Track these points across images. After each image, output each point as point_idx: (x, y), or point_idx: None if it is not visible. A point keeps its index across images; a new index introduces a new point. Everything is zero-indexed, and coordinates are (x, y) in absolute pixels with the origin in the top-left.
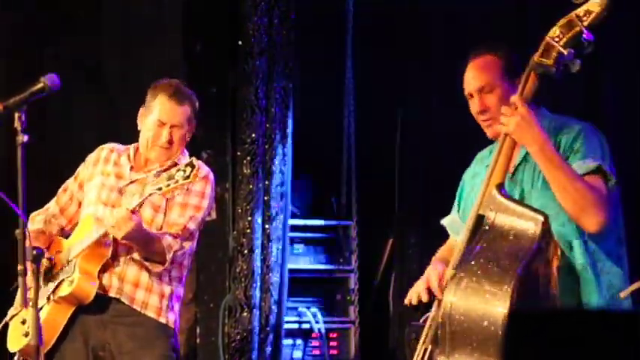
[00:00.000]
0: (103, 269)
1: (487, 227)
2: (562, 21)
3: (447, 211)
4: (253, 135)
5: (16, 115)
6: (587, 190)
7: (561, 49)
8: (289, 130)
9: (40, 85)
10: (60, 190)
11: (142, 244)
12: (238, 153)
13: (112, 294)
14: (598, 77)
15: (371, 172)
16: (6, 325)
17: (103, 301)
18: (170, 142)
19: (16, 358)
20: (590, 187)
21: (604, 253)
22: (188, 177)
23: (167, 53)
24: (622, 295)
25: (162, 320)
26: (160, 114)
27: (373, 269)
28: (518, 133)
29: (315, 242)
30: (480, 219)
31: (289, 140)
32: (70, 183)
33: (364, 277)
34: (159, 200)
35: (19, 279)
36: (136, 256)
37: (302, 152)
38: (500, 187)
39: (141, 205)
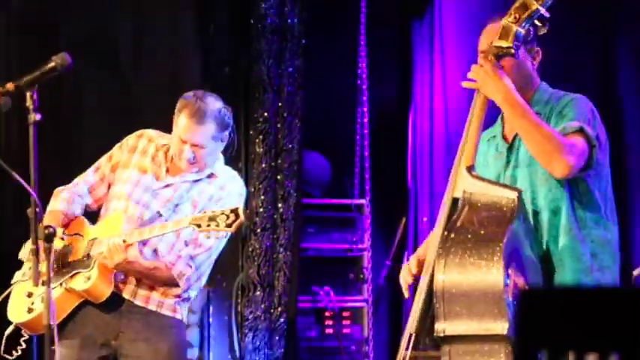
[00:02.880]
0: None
1: (463, 208)
2: (517, 3)
3: None
4: (266, 114)
5: (28, 94)
6: (553, 135)
7: (519, 29)
8: (302, 109)
9: (51, 65)
10: (91, 168)
11: (138, 274)
12: (251, 132)
13: (126, 295)
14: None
15: (384, 151)
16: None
17: (117, 298)
18: (192, 159)
19: (11, 327)
20: (557, 134)
21: (592, 221)
22: (230, 225)
23: (180, 33)
24: (635, 272)
25: (178, 316)
26: (181, 132)
27: (386, 248)
28: (483, 85)
29: (328, 221)
30: (455, 202)
31: (302, 119)
32: (103, 164)
33: (377, 256)
34: (190, 211)
35: (32, 258)
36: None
37: (315, 131)
38: (471, 168)
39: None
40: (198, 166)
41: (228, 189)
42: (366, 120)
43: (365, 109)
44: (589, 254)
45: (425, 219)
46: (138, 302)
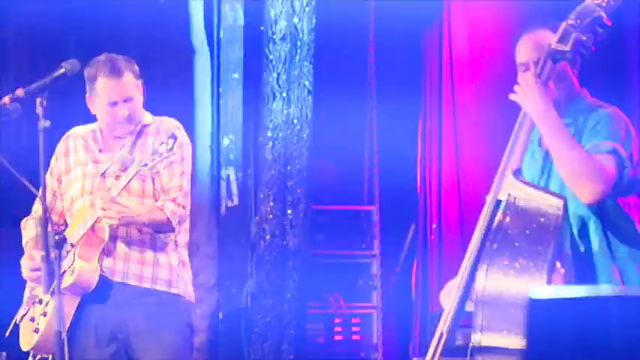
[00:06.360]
0: (107, 253)
1: (507, 212)
2: (580, 7)
3: (468, 196)
4: (275, 120)
5: (38, 100)
6: (583, 160)
7: (580, 34)
8: (311, 115)
9: (61, 71)
10: (40, 190)
11: (141, 222)
12: (260, 138)
13: (117, 279)
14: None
15: (393, 158)
16: (16, 326)
17: (112, 286)
18: (128, 116)
19: (30, 357)
20: (588, 157)
21: (621, 236)
22: (171, 149)
23: (188, 39)
24: None
25: (174, 291)
26: (107, 96)
27: (395, 254)
28: (522, 100)
29: (337, 227)
30: (497, 204)
31: (311, 125)
32: (48, 180)
33: (386, 263)
34: (143, 170)
35: (42, 265)
36: (136, 234)
37: (324, 138)
38: (517, 172)
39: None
40: (134, 122)
41: (164, 128)
42: (375, 126)
43: (374, 116)
44: (618, 271)
45: (434, 225)
46: (132, 282)
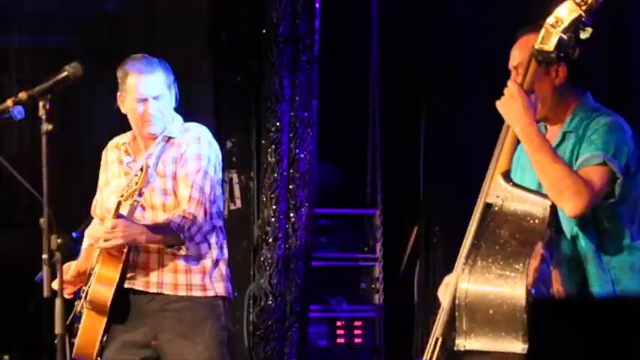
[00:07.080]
0: (140, 266)
1: (495, 214)
2: (559, 7)
3: (472, 199)
4: (278, 123)
5: (41, 103)
6: (565, 174)
7: (561, 34)
8: (314, 119)
9: (64, 74)
10: (92, 205)
11: (144, 241)
12: (263, 141)
13: (152, 290)
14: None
15: (396, 161)
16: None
17: (147, 296)
18: (153, 115)
19: None
20: (570, 174)
21: (615, 247)
22: (137, 182)
23: (192, 42)
24: None
25: (211, 293)
26: (137, 91)
27: (398, 258)
28: (505, 110)
29: (340, 230)
30: (486, 207)
31: (314, 128)
32: (97, 194)
33: (389, 266)
34: (163, 184)
35: (44, 267)
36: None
37: (327, 140)
38: (506, 174)
39: (117, 209)
40: (164, 122)
41: (185, 140)
42: (378, 129)
43: (377, 118)
44: (611, 282)
45: (437, 229)
46: (167, 292)
